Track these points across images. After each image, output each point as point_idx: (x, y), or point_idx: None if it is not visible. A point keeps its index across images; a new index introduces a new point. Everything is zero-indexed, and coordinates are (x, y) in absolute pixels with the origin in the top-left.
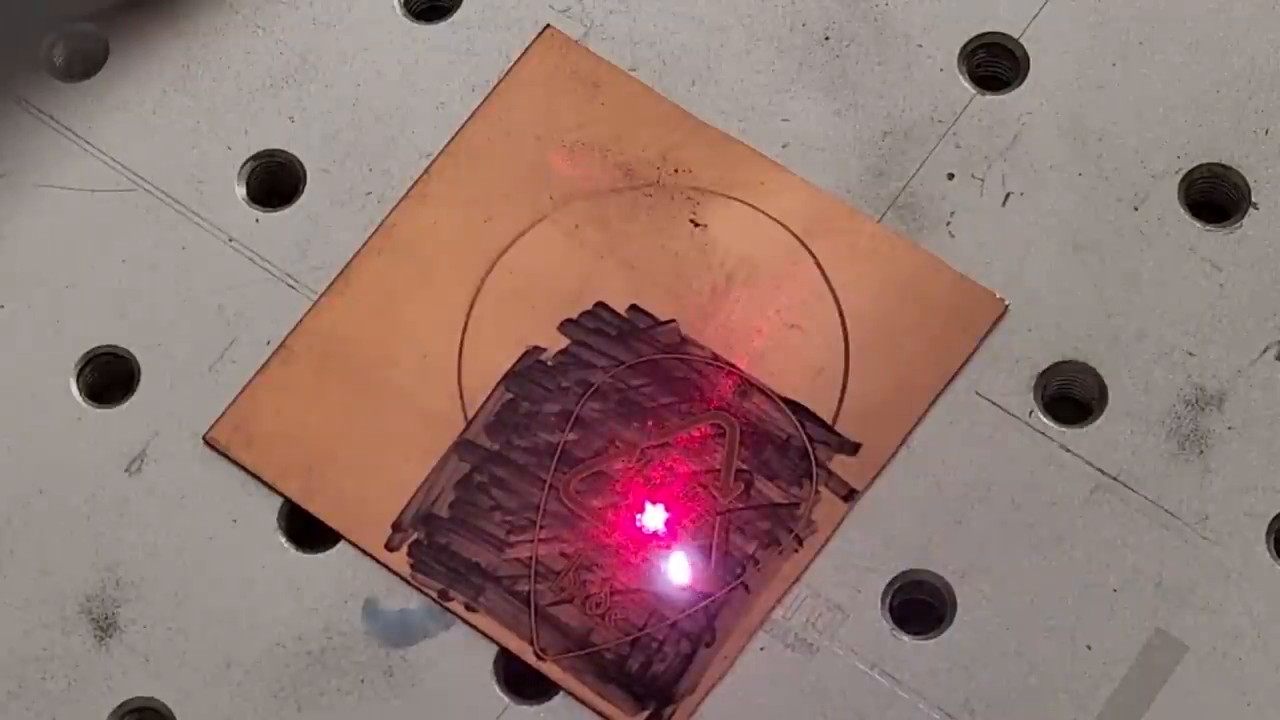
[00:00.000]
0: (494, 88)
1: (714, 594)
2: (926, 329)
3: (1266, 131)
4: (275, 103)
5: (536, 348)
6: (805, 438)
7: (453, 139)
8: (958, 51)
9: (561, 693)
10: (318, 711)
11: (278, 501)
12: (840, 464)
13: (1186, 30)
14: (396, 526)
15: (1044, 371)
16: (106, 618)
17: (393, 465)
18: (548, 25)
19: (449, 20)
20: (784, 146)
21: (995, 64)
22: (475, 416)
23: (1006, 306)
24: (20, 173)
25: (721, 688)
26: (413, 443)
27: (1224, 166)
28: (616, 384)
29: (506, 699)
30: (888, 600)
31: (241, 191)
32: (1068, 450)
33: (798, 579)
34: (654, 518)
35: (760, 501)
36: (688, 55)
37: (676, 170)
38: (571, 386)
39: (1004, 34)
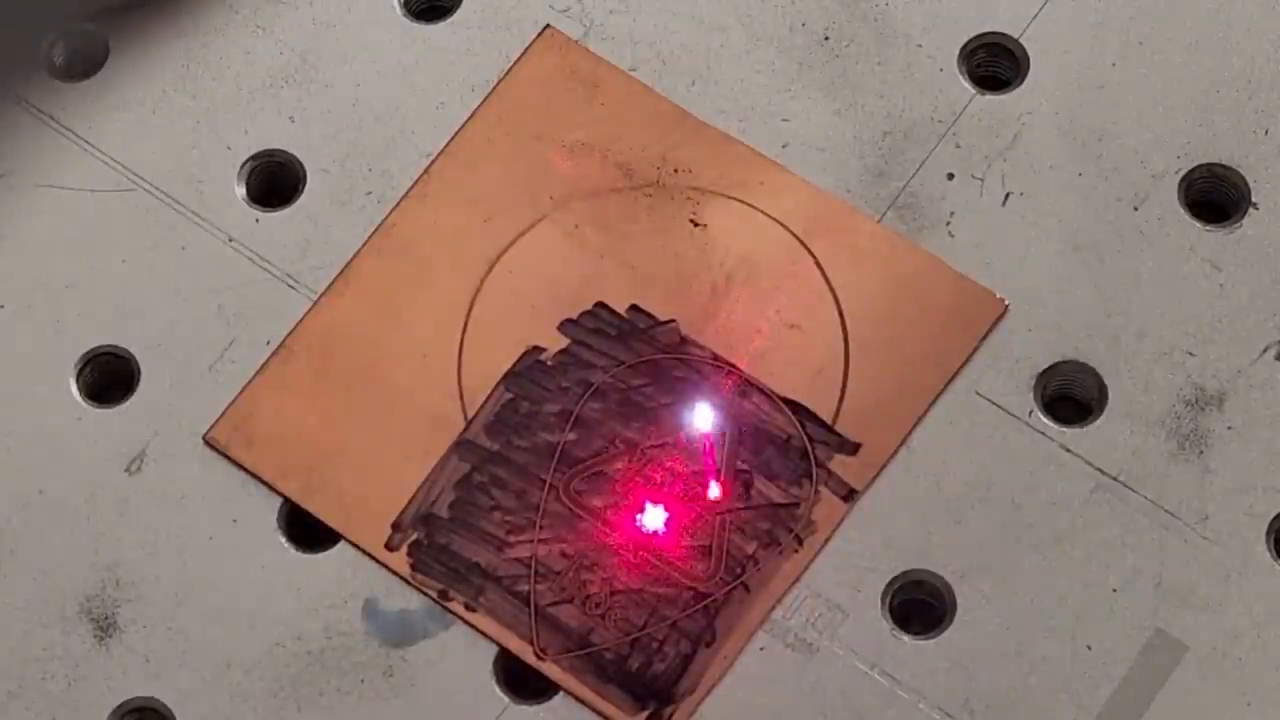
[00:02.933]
0: (494, 88)
1: (714, 594)
2: (926, 329)
3: (1266, 131)
4: (275, 103)
5: (536, 348)
6: (805, 438)
7: (453, 139)
8: (958, 51)
9: (561, 693)
10: (318, 711)
11: (278, 501)
12: (840, 464)
13: (1186, 30)
14: (396, 526)
15: (1044, 371)
16: (106, 618)
17: (393, 465)
18: (548, 25)
19: (449, 20)
20: (784, 146)
21: (995, 64)
22: (475, 416)
23: (1006, 306)
24: (20, 173)
25: (721, 688)
26: (413, 443)
27: (1224, 166)
28: (616, 384)
29: (506, 699)
30: (888, 600)
31: (241, 191)
32: (1068, 450)
33: (798, 579)
34: (654, 518)
35: (760, 501)
36: (688, 55)
37: (676, 170)
38: (571, 386)
39: (1004, 34)
